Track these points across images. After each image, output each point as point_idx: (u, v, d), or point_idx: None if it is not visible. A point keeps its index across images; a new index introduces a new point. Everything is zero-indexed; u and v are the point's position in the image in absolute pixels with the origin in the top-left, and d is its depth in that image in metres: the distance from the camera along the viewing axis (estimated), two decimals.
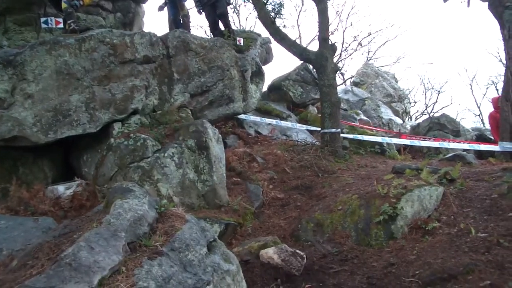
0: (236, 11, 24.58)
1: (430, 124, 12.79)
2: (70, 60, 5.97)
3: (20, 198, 5.34)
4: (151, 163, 5.30)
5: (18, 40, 12.02)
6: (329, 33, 9.47)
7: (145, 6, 14.05)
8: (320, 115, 9.34)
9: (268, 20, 9.10)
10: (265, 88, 11.65)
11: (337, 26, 26.89)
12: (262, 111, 11.13)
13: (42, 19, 7.19)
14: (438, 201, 4.64)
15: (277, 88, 12.71)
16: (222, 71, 7.43)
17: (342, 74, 24.07)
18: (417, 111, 29.45)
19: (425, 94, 29.88)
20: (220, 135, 5.96)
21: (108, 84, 6.18)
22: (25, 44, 6.24)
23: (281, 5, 18.42)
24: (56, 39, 6.10)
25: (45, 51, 5.87)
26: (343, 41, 26.83)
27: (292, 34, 48.24)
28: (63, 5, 7.33)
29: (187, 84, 7.00)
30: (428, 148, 10.37)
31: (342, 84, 22.61)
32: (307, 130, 10.75)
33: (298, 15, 30.19)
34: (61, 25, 7.24)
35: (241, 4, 21.43)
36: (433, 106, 29.31)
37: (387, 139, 10.14)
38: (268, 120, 10.22)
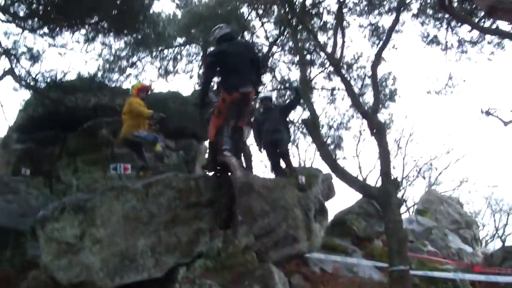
0: (296, 144, 25.21)
1: (504, 253, 11.92)
2: (137, 205, 6.16)
3: None
4: None
5: (87, 179, 12.74)
6: (391, 167, 9.40)
7: (206, 142, 14.71)
8: (386, 248, 8.96)
9: (328, 158, 9.22)
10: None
11: (396, 153, 26.87)
12: (327, 247, 10.77)
13: (112, 166, 7.61)
14: None
15: (340, 222, 12.45)
16: (285, 211, 7.38)
17: (405, 201, 23.52)
18: (487, 234, 27.92)
19: (494, 216, 28.50)
20: (286, 279, 5.76)
21: (174, 228, 6.25)
22: (95, 189, 6.53)
23: (340, 138, 18.85)
24: (124, 185, 6.38)
25: (113, 197, 6.12)
26: (403, 168, 26.59)
27: (352, 165, 48.34)
28: (158, 147, 7.73)
29: (251, 226, 6.95)
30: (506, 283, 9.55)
31: (405, 212, 21.99)
32: (374, 266, 10.24)
33: (357, 145, 30.44)
34: (129, 171, 7.57)
35: (300, 137, 22.00)
36: (504, 228, 27.80)
37: (459, 275, 9.46)
38: (333, 257, 9.84)
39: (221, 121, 6.33)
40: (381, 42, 13.33)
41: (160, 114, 7.89)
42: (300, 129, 20.18)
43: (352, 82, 16.74)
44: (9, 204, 9.00)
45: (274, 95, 17.22)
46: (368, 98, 17.93)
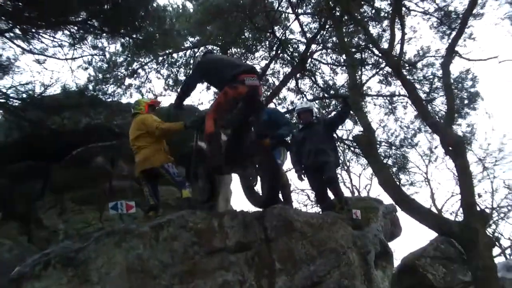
0: (346, 168, 25.09)
1: None
2: (144, 253, 6.12)
3: None
4: None
5: (77, 222, 12.80)
6: (475, 195, 9.27)
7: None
8: None
9: (390, 184, 9.14)
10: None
11: (482, 177, 26.42)
12: None
13: (110, 204, 7.57)
14: None
15: (410, 269, 12.24)
16: (336, 255, 7.31)
17: (498, 240, 23.16)
18: None
19: None
20: None
21: (193, 282, 6.19)
22: (89, 235, 6.51)
23: (405, 158, 18.62)
24: (127, 227, 6.35)
25: (113, 244, 6.07)
26: (493, 196, 26.12)
27: (422, 193, 47.50)
28: (186, 193, 7.84)
29: (293, 275, 6.89)
30: None
31: (499, 255, 21.56)
32: None
33: (427, 166, 29.98)
34: (134, 210, 7.60)
35: (352, 159, 21.88)
36: None
37: None
38: None
39: (219, 116, 7.03)
40: (453, 32, 13.28)
41: (193, 118, 8.15)
42: (352, 149, 20.13)
43: (417, 86, 16.68)
44: None
45: (315, 106, 17.28)
46: (440, 104, 17.83)
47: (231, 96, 6.79)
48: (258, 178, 7.33)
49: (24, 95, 12.64)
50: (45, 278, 5.80)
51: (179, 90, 7.98)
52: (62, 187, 13.22)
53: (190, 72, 8.25)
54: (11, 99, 12.63)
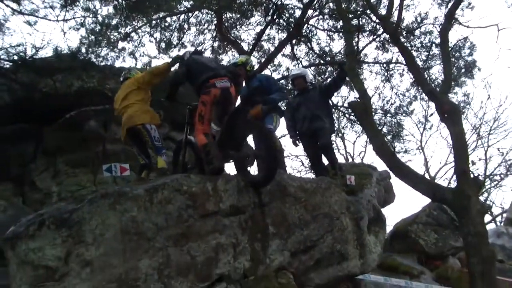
0: (340, 135, 25.17)
1: None
2: (138, 216, 6.09)
3: None
4: None
5: (70, 185, 12.83)
6: (469, 163, 9.33)
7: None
8: (465, 269, 8.92)
9: (385, 151, 9.20)
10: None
11: (476, 145, 26.57)
12: (385, 267, 10.80)
13: (104, 167, 7.57)
14: None
15: (402, 235, 12.46)
16: (330, 220, 7.40)
17: (490, 207, 23.42)
18: None
19: None
20: None
21: (186, 244, 6.24)
22: (83, 197, 6.52)
23: (400, 125, 18.68)
24: (121, 190, 6.31)
25: (108, 206, 6.01)
26: (486, 164, 26.30)
27: (416, 161, 47.95)
28: (162, 162, 7.83)
29: (286, 240, 6.98)
30: None
31: (490, 222, 21.78)
32: None
33: (421, 134, 30.08)
34: (128, 173, 7.61)
35: (346, 125, 21.92)
36: None
37: None
38: (394, 281, 9.83)
39: (206, 127, 7.27)
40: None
41: (175, 56, 8.34)
42: (346, 115, 20.14)
43: (414, 53, 16.63)
44: None
45: (310, 72, 17.22)
46: (437, 73, 17.84)
47: (209, 101, 7.16)
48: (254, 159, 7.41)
49: (15, 57, 12.48)
50: (39, 238, 5.78)
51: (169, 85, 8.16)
52: (55, 150, 13.21)
53: (177, 68, 8.27)
54: (2, 61, 12.52)
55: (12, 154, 13.20)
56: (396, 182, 10.68)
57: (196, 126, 7.31)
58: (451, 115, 9.74)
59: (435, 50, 16.96)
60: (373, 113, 15.64)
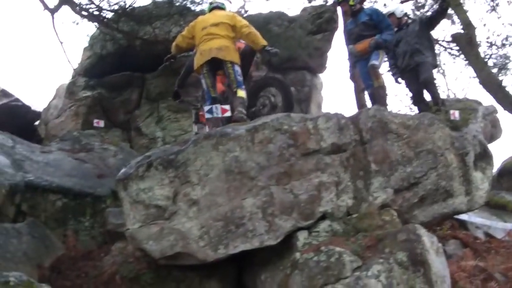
0: (442, 71, 24.34)
1: None
2: (241, 155, 6.23)
3: None
4: (351, 285, 5.21)
5: (173, 129, 13.24)
6: None
7: (322, 76, 14.48)
8: None
9: (492, 83, 8.88)
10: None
11: None
12: (492, 205, 10.55)
13: (206, 108, 7.68)
14: None
15: (511, 172, 12.08)
16: (434, 156, 7.26)
17: None
18: None
19: None
20: (440, 245, 5.72)
21: (289, 183, 6.34)
22: (187, 140, 6.69)
23: (507, 58, 17.82)
24: (223, 131, 6.45)
25: (211, 147, 6.21)
26: None
27: None
28: (240, 92, 7.90)
29: (389, 177, 6.94)
30: None
31: None
32: None
33: None
34: (229, 113, 7.72)
35: (447, 61, 21.13)
36: None
37: None
38: (501, 225, 9.60)
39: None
40: None
41: (274, 49, 8.07)
42: (448, 49, 19.43)
43: None
44: (82, 164, 9.47)
45: (406, 7, 16.66)
46: None
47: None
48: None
49: (116, 7, 12.88)
50: (148, 179, 6.13)
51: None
52: (157, 96, 13.63)
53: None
54: (103, 11, 12.93)
55: (118, 101, 13.73)
56: (503, 117, 10.30)
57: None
58: None
59: None
60: (479, 46, 15.01)
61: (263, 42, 7.94)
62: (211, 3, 8.77)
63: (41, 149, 9.48)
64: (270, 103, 8.35)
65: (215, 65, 7.98)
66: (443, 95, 11.10)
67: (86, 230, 8.11)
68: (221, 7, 8.57)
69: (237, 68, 7.96)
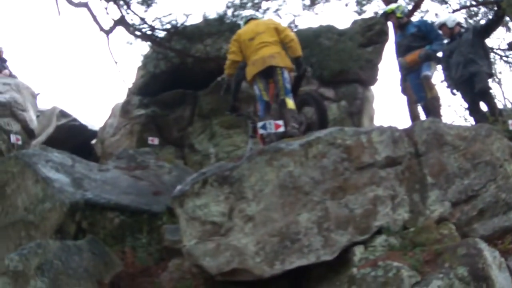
0: (497, 80, 23.83)
1: None
2: (295, 170, 6.23)
3: None
4: None
5: (226, 145, 13.40)
6: None
7: (373, 88, 14.41)
8: None
9: None
10: None
11: None
12: None
13: (259, 124, 7.74)
14: None
15: None
16: (492, 168, 7.09)
17: None
18: None
19: None
20: (502, 259, 5.59)
21: (344, 197, 6.30)
22: (241, 156, 6.79)
23: None
24: (277, 146, 6.49)
25: (265, 162, 6.24)
26: None
27: None
28: (289, 103, 7.91)
29: (446, 190, 6.80)
30: None
31: None
32: None
33: None
34: (282, 129, 7.74)
35: (501, 71, 20.71)
36: None
37: None
38: None
39: None
40: None
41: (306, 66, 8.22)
42: (504, 58, 19.05)
43: None
44: (138, 181, 9.53)
45: (458, 17, 16.43)
46: None
47: None
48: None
49: (168, 26, 13.14)
50: (204, 195, 6.19)
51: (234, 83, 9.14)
52: (209, 112, 13.80)
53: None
54: (156, 31, 13.22)
55: (171, 118, 13.96)
56: None
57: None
58: None
59: None
60: None
61: (301, 52, 8.09)
62: (245, 17, 8.95)
63: (98, 167, 9.63)
64: (305, 120, 8.33)
65: (267, 74, 8.07)
66: (500, 105, 10.87)
67: (143, 247, 8.13)
68: (255, 18, 8.76)
69: (286, 75, 8.00)
